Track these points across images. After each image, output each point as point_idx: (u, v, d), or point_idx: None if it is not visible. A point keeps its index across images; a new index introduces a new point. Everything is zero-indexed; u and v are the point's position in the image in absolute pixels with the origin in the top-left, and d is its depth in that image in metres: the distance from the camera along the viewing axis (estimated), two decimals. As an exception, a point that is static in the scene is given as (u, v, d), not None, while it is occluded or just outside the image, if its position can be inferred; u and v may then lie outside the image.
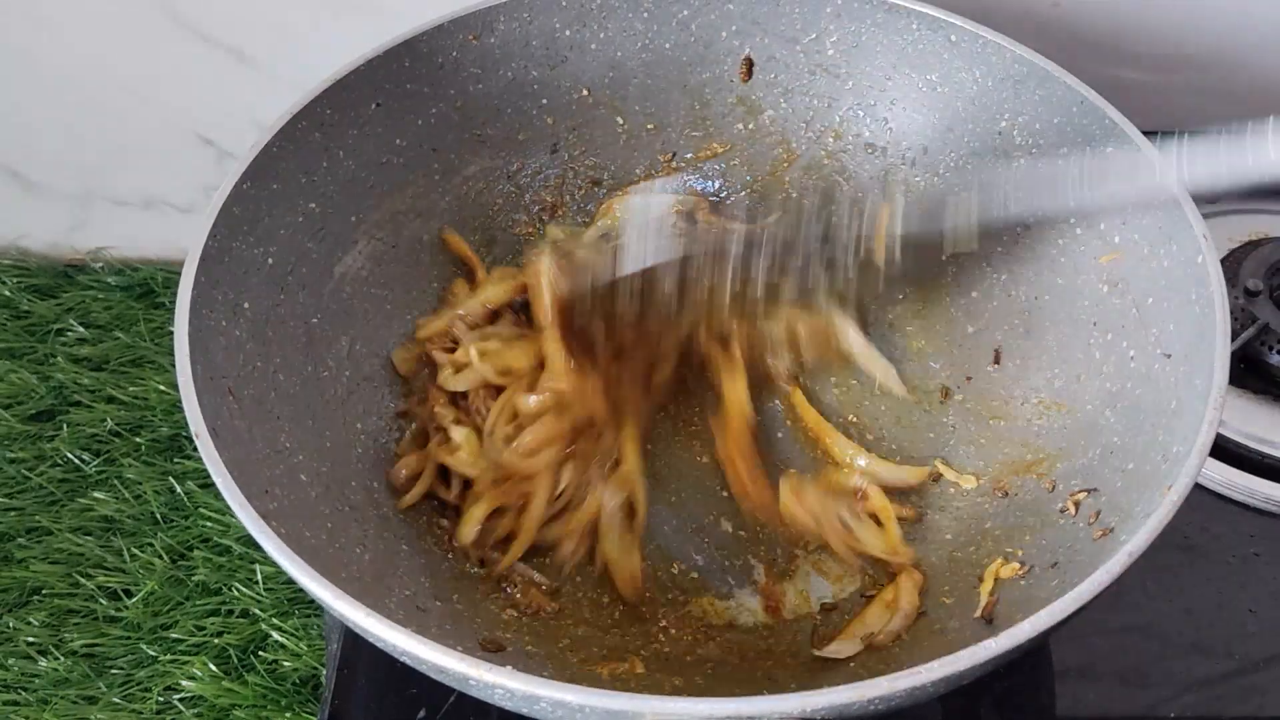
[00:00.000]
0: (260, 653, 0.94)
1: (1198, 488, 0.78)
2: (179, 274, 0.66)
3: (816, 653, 0.69)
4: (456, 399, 0.82)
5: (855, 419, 0.85)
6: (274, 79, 1.03)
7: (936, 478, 0.80)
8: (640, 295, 0.78)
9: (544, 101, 0.90)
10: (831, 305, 0.80)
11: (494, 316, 0.85)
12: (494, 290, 0.85)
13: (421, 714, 0.72)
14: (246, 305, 0.71)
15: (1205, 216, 0.70)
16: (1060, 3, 1.00)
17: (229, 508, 0.59)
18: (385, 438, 0.79)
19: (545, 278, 0.81)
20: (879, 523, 0.76)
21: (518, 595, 0.73)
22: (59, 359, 1.14)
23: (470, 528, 0.75)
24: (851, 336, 0.83)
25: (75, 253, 1.23)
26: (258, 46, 1.02)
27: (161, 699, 0.92)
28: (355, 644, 0.76)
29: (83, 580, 0.99)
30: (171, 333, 0.65)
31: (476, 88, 0.87)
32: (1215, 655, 0.75)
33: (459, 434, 0.78)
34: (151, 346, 1.16)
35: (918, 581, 0.72)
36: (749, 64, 0.91)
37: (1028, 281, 0.83)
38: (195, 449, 0.66)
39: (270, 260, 0.74)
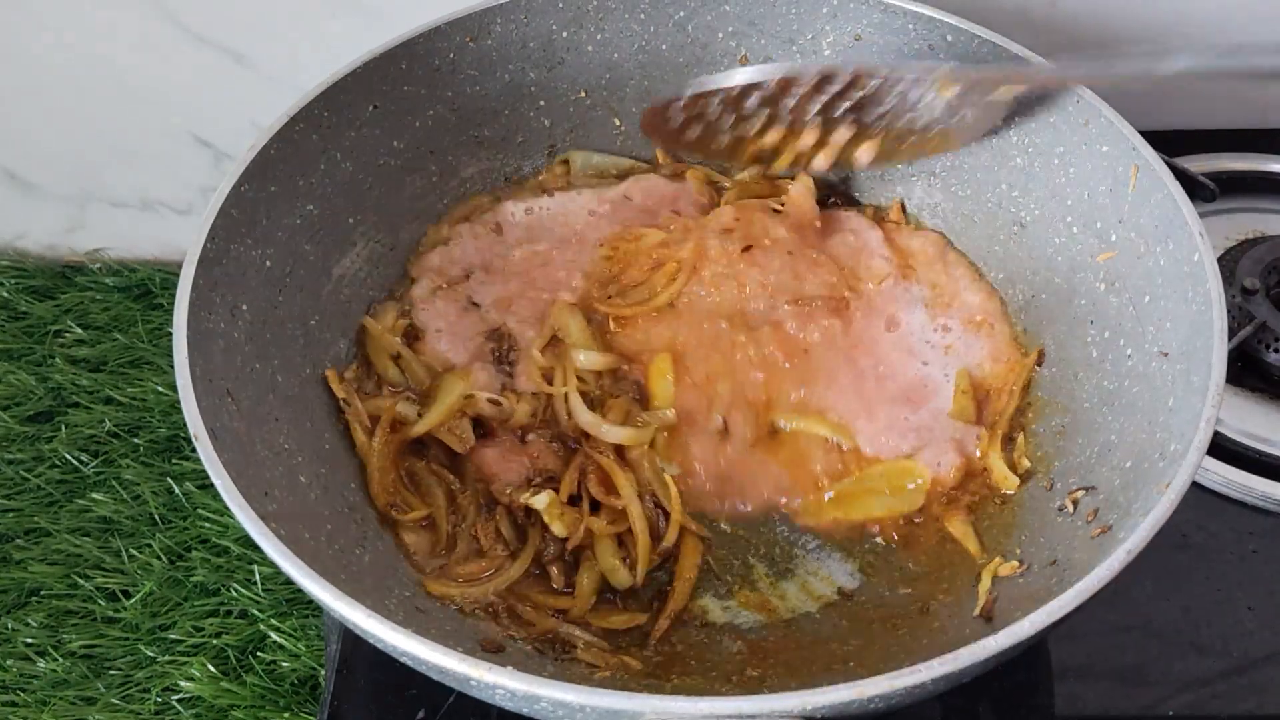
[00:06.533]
0: (259, 653, 0.94)
1: (1195, 486, 0.78)
2: (177, 275, 0.66)
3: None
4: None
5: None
6: (271, 81, 1.03)
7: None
8: (734, 104, 0.78)
9: (541, 103, 0.90)
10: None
11: None
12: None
13: (421, 714, 0.72)
14: (245, 307, 0.71)
15: (1202, 215, 0.70)
16: (1056, 2, 1.00)
17: (227, 508, 0.58)
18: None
19: None
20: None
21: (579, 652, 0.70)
22: (57, 360, 1.14)
23: (560, 525, 0.73)
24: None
25: (73, 254, 1.23)
26: (255, 48, 1.02)
27: (160, 700, 0.92)
28: (355, 645, 0.76)
29: (81, 581, 0.99)
30: (169, 334, 0.64)
31: (474, 90, 0.87)
32: (1213, 653, 0.75)
33: (541, 501, 0.73)
34: (150, 348, 1.15)
35: None
36: (745, 65, 0.90)
37: (1025, 280, 0.83)
38: (193, 450, 0.65)
39: (268, 262, 0.74)
